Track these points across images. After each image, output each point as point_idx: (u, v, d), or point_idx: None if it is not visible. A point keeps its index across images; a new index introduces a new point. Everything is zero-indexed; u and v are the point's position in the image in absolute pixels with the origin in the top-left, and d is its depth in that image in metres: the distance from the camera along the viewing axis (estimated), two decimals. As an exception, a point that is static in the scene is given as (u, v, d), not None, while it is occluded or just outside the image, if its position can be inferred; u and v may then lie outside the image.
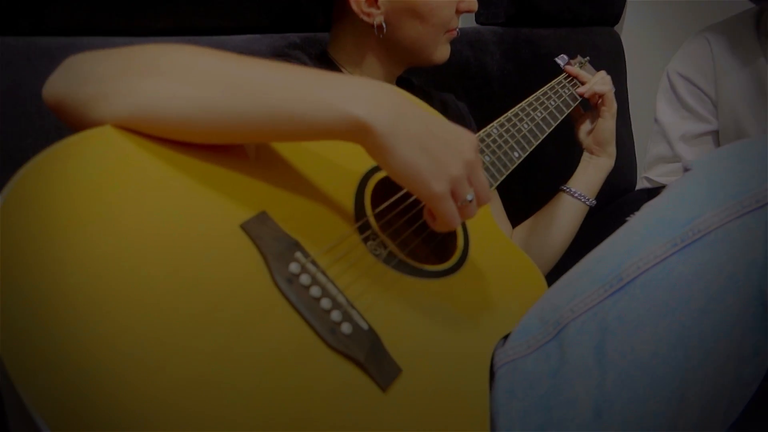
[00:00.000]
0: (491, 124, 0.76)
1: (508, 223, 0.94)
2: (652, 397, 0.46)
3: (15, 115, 0.65)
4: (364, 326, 0.46)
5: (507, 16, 1.25)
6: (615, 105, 0.87)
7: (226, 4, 0.83)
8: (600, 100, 0.87)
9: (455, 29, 0.76)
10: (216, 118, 0.44)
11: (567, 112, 0.86)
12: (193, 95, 0.44)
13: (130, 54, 0.46)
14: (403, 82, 0.86)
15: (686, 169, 0.55)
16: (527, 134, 0.79)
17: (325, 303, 0.45)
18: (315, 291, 0.45)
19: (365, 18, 0.70)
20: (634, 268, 0.49)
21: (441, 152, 0.47)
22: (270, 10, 0.88)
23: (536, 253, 0.88)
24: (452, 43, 0.78)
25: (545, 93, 0.86)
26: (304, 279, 0.45)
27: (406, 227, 0.61)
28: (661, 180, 1.17)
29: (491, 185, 0.71)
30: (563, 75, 0.91)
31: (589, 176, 0.89)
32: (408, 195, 0.59)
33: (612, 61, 1.48)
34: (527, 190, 1.19)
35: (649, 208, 0.54)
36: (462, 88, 1.10)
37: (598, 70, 0.92)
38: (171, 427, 0.34)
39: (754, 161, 0.51)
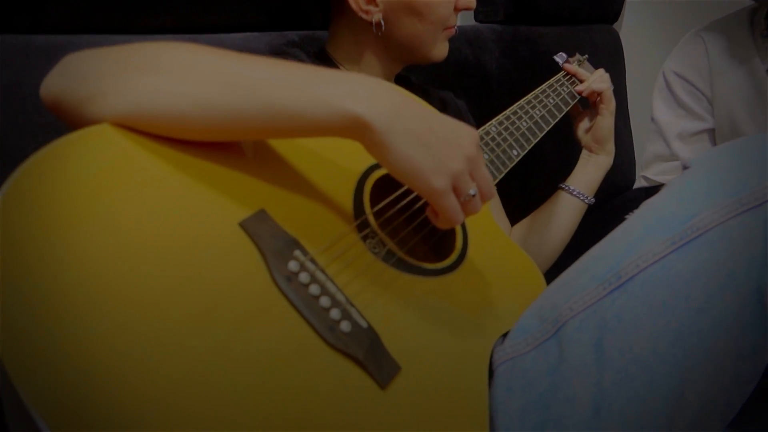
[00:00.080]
0: (490, 122, 0.76)
1: (506, 221, 0.94)
2: (651, 394, 0.46)
3: (13, 114, 0.65)
4: (363, 324, 0.46)
5: (506, 14, 1.25)
6: (613, 102, 0.87)
7: (224, 2, 0.82)
8: (598, 98, 0.87)
9: (453, 27, 0.76)
10: (214, 115, 0.44)
11: (566, 110, 0.86)
12: (191, 92, 0.44)
13: (128, 52, 0.46)
14: (401, 80, 0.86)
15: (685, 167, 0.55)
16: (526, 132, 0.79)
17: (324, 301, 0.45)
18: (314, 289, 0.45)
19: (363, 15, 0.70)
20: (632, 266, 0.50)
21: (441, 148, 0.47)
22: (268, 7, 0.87)
23: (535, 251, 0.88)
24: (451, 41, 0.78)
25: (544, 91, 0.86)
26: (303, 277, 0.45)
27: (404, 225, 0.61)
28: (659, 179, 1.17)
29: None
30: (562, 73, 0.91)
31: (588, 174, 0.89)
32: (407, 193, 0.59)
33: (611, 58, 1.48)
34: (526, 188, 1.19)
35: (647, 206, 0.54)
36: (461, 86, 1.10)
37: (596, 67, 0.92)
38: (169, 427, 0.34)
39: (753, 159, 0.51)
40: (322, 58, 0.77)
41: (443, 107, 0.89)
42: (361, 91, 0.45)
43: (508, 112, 0.79)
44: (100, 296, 0.36)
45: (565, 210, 0.88)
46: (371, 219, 0.55)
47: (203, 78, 0.44)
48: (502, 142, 0.75)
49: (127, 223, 0.40)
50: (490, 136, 0.74)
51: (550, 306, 0.53)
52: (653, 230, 0.51)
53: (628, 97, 1.52)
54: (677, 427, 0.46)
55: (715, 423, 0.49)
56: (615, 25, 1.57)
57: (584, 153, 0.91)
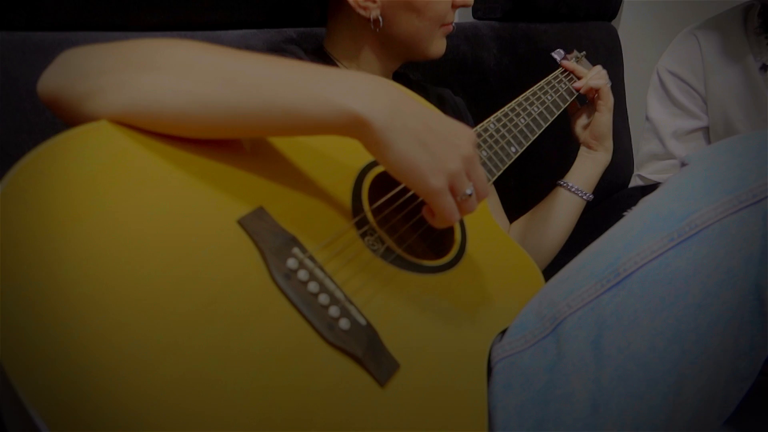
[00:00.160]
0: (488, 119, 0.76)
1: (505, 219, 0.94)
2: (649, 391, 0.46)
3: (10, 111, 0.65)
4: (362, 322, 0.46)
5: (504, 11, 1.25)
6: (611, 99, 0.87)
7: (221, -2, 0.82)
8: (596, 95, 0.87)
9: (451, 23, 0.76)
10: (213, 112, 0.44)
11: (564, 106, 0.86)
12: (190, 90, 0.44)
13: (126, 48, 0.46)
14: (399, 77, 0.86)
15: (683, 164, 0.55)
16: (524, 129, 0.79)
17: (323, 298, 0.44)
18: (313, 286, 0.45)
19: (361, 12, 0.70)
20: (631, 263, 0.50)
21: (439, 147, 0.47)
22: (266, 4, 0.87)
23: (533, 249, 0.88)
24: (449, 38, 0.78)
25: (542, 88, 0.86)
26: (302, 274, 0.45)
27: (403, 222, 0.61)
28: (654, 177, 1.17)
29: (488, 180, 0.71)
30: (560, 70, 0.91)
31: (587, 171, 0.89)
32: (405, 190, 0.59)
33: (609, 56, 1.48)
34: (524, 185, 1.19)
35: (646, 203, 0.54)
36: (459, 83, 1.10)
37: (594, 65, 0.92)
38: (168, 425, 0.34)
39: (751, 156, 0.51)
40: (320, 55, 0.77)
41: (441, 104, 0.89)
42: (360, 88, 0.45)
43: (506, 109, 0.79)
44: (98, 294, 0.36)
45: (564, 207, 0.88)
46: (370, 216, 0.55)
47: (202, 75, 0.44)
48: (500, 139, 0.75)
49: (125, 220, 0.40)
50: (488, 133, 0.74)
51: (549, 303, 0.53)
52: (651, 227, 0.51)
53: (626, 94, 1.52)
54: (675, 424, 0.46)
55: (713, 419, 0.49)
56: (613, 22, 1.57)
57: (582, 150, 0.91)
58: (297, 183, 0.51)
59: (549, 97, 0.85)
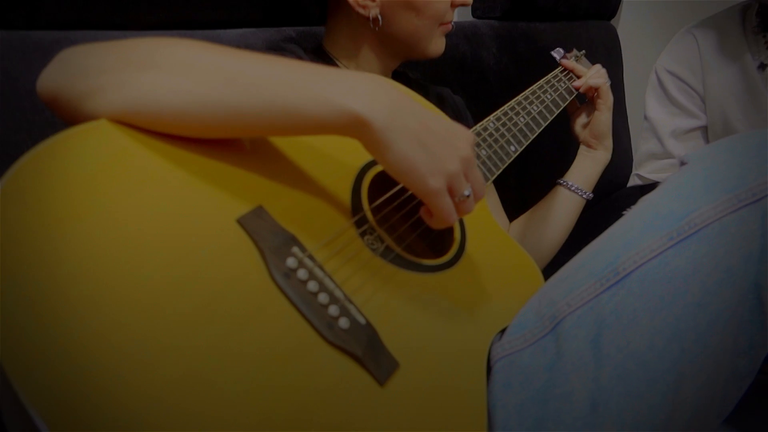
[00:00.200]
0: (488, 118, 0.76)
1: (504, 217, 0.94)
2: (648, 390, 0.46)
3: (9, 110, 0.64)
4: (362, 321, 0.46)
5: (503, 10, 1.25)
6: (611, 98, 0.87)
7: (220, -3, 0.82)
8: (596, 93, 0.87)
9: (450, 22, 0.76)
10: (213, 112, 0.44)
11: (563, 105, 0.86)
12: (190, 89, 0.43)
13: (126, 47, 0.46)
14: (399, 76, 0.86)
15: (683, 163, 0.55)
16: (524, 128, 0.79)
17: (323, 298, 0.44)
18: (312, 286, 0.45)
19: (361, 10, 0.70)
20: (630, 262, 0.50)
21: (438, 148, 0.47)
22: (265, 3, 0.87)
23: (533, 247, 0.88)
24: (449, 36, 0.78)
25: (541, 87, 0.86)
26: (302, 274, 0.45)
27: (402, 221, 0.61)
28: (653, 177, 1.17)
29: (488, 179, 0.71)
30: (559, 68, 0.91)
31: (586, 169, 0.89)
32: (405, 189, 0.59)
33: (608, 55, 1.48)
34: (524, 184, 1.20)
35: (645, 202, 0.54)
36: (459, 82, 1.10)
37: (594, 64, 0.92)
38: (167, 425, 0.34)
39: (750, 155, 0.51)
40: (319, 53, 0.77)
41: (441, 103, 0.89)
42: (360, 88, 0.45)
43: (505, 107, 0.79)
44: (98, 294, 0.36)
45: (563, 206, 0.88)
46: (369, 215, 0.55)
47: (202, 75, 0.44)
48: (499, 138, 0.75)
49: (124, 219, 0.40)
50: (488, 132, 0.74)
51: (548, 302, 0.53)
52: (651, 226, 0.51)
53: (626, 93, 1.52)
54: (674, 423, 0.46)
55: (712, 418, 0.49)
56: (612, 21, 1.57)
57: (582, 148, 0.91)
58: (296, 182, 0.51)
59: (548, 96, 0.85)
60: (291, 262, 0.45)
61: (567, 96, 0.87)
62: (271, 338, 0.41)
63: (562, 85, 0.88)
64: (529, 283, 0.62)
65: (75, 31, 0.71)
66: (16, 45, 0.66)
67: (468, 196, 0.49)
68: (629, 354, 0.47)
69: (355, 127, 0.45)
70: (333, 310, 0.44)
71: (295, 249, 0.46)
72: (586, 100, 0.91)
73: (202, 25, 0.82)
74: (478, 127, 0.74)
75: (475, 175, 0.50)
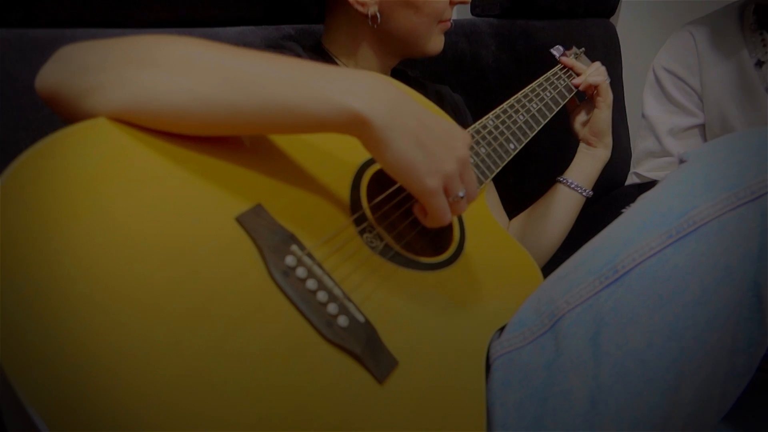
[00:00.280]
0: (487, 116, 0.76)
1: (504, 215, 0.94)
2: (647, 388, 0.46)
3: (7, 108, 0.64)
4: (361, 319, 0.46)
5: (502, 8, 1.24)
6: (611, 95, 0.87)
7: (219, -5, 0.82)
8: (595, 91, 0.87)
9: (449, 20, 0.76)
10: (213, 110, 0.44)
11: (563, 103, 0.86)
12: (189, 87, 0.43)
13: (125, 45, 0.46)
14: (398, 74, 0.86)
15: (682, 161, 0.55)
16: (523, 126, 0.79)
17: (322, 296, 0.44)
18: (311, 284, 0.45)
19: (359, 8, 0.70)
20: (629, 260, 0.50)
21: (436, 148, 0.47)
22: (264, 1, 0.87)
23: (533, 245, 0.88)
24: (448, 34, 0.78)
25: (541, 84, 0.86)
26: (300, 272, 0.45)
27: (401, 219, 0.61)
28: (651, 175, 1.17)
29: (487, 177, 0.71)
30: (558, 66, 0.91)
31: (586, 167, 0.89)
32: (403, 188, 0.59)
33: (607, 52, 1.48)
34: (523, 181, 1.20)
35: (644, 200, 0.54)
36: (458, 80, 1.10)
37: (593, 61, 0.92)
38: (165, 425, 0.34)
39: (749, 153, 0.51)
40: (318, 51, 0.77)
41: (440, 101, 0.89)
42: (360, 87, 0.45)
43: (505, 105, 0.79)
44: (96, 292, 0.36)
45: (563, 203, 0.88)
46: (368, 213, 0.55)
47: (202, 73, 0.44)
48: (499, 136, 0.75)
49: (123, 218, 0.40)
50: (487, 129, 0.74)
51: (547, 300, 0.53)
52: (650, 224, 0.51)
53: (625, 91, 1.52)
54: (673, 420, 0.46)
55: (711, 415, 0.49)
56: (611, 19, 1.56)
57: (582, 146, 0.91)
58: (295, 180, 0.51)
59: (548, 94, 0.85)
60: (290, 260, 0.45)
61: (566, 93, 0.87)
62: (269, 337, 0.41)
63: (562, 82, 0.88)
64: (528, 280, 0.62)
65: (73, 29, 0.71)
66: (15, 43, 0.66)
67: (462, 198, 0.50)
68: (628, 352, 0.47)
69: (354, 125, 0.45)
70: (332, 308, 0.44)
71: (294, 247, 0.46)
72: (585, 97, 0.91)
73: (201, 23, 0.82)
74: (477, 124, 0.74)
75: (470, 176, 0.51)
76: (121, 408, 0.33)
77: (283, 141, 0.53)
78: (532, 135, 0.79)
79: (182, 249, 0.41)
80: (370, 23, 0.71)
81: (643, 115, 1.18)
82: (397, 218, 0.61)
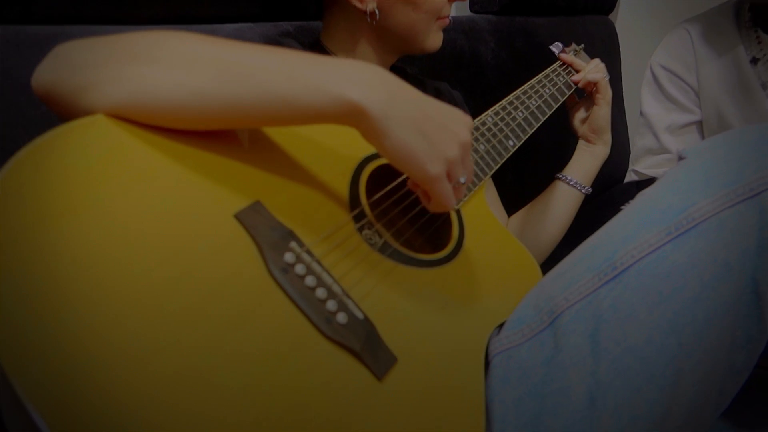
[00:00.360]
0: (486, 113, 0.76)
1: (503, 212, 0.94)
2: (646, 384, 0.46)
3: (5, 105, 0.64)
4: (360, 316, 0.46)
5: (501, 5, 1.24)
6: (610, 92, 0.87)
7: (217, -9, 0.82)
8: (594, 88, 0.87)
9: (447, 17, 0.76)
10: (210, 103, 0.44)
11: (562, 100, 0.86)
12: (187, 81, 0.43)
13: (121, 41, 0.45)
14: (396, 71, 0.85)
15: (681, 158, 0.55)
16: (522, 122, 0.78)
17: (321, 293, 0.44)
18: (310, 281, 0.44)
19: (358, 5, 0.70)
20: (628, 257, 0.50)
21: (436, 134, 0.47)
22: (262, -3, 0.87)
23: (532, 242, 0.88)
24: (446, 31, 0.78)
25: (540, 81, 0.86)
26: (299, 269, 0.45)
27: (401, 216, 0.61)
28: (649, 172, 1.17)
29: (486, 174, 0.71)
30: (558, 63, 0.90)
31: (585, 164, 0.89)
32: (403, 184, 0.59)
33: (606, 49, 1.48)
34: (522, 178, 1.20)
35: (643, 197, 0.54)
36: (456, 76, 1.10)
37: (592, 58, 0.92)
38: (161, 423, 0.33)
39: (748, 150, 0.51)
40: (317, 48, 0.76)
41: (438, 98, 0.88)
42: (357, 77, 0.45)
43: (504, 102, 0.79)
44: (93, 289, 0.36)
45: (562, 200, 0.88)
46: (367, 210, 0.55)
47: (199, 67, 0.44)
48: (498, 133, 0.75)
49: (121, 215, 0.40)
50: (486, 126, 0.74)
51: (546, 297, 0.53)
52: (649, 220, 0.51)
53: (624, 87, 1.52)
54: (672, 417, 0.46)
55: (709, 411, 0.49)
56: (611, 16, 1.56)
57: (581, 143, 0.91)
58: (294, 177, 0.51)
59: (547, 91, 0.85)
60: (289, 257, 0.45)
61: (565, 90, 0.87)
62: (268, 333, 0.41)
63: (561, 79, 0.88)
64: (528, 277, 0.63)
65: (70, 26, 0.71)
66: (12, 40, 0.66)
67: (463, 183, 0.50)
68: (627, 348, 0.47)
69: (352, 115, 0.45)
70: (331, 305, 0.44)
71: (293, 244, 0.46)
72: (584, 94, 0.91)
73: (199, 20, 0.81)
74: (476, 121, 0.74)
75: (470, 161, 0.51)
76: (118, 406, 0.33)
77: (281, 137, 0.53)
78: (531, 132, 0.79)
79: (181, 246, 0.41)
80: (368, 20, 0.71)
81: (641, 113, 1.19)
82: (396, 215, 0.61)
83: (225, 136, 0.49)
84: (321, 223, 0.50)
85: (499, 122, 0.76)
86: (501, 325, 0.55)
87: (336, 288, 0.46)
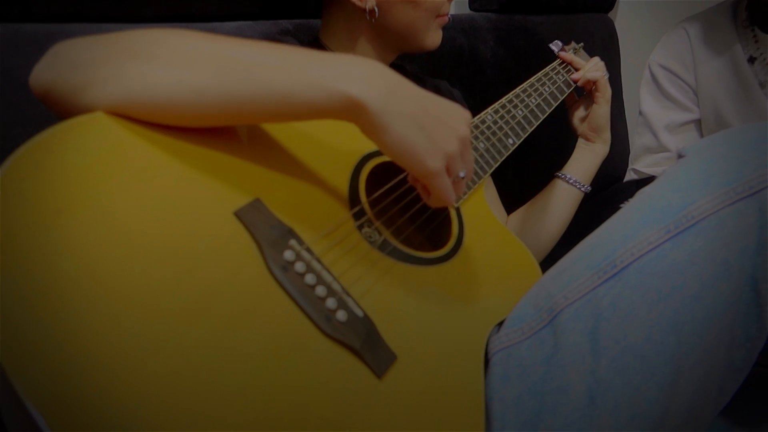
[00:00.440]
0: (485, 111, 0.76)
1: (502, 210, 0.94)
2: (645, 382, 0.46)
3: (4, 104, 0.64)
4: (360, 313, 0.46)
5: (500, 3, 1.24)
6: (609, 91, 0.87)
7: (217, -11, 0.82)
8: (594, 86, 0.87)
9: (446, 15, 0.76)
10: (209, 100, 0.44)
11: (561, 98, 0.86)
12: (186, 78, 0.43)
13: (120, 39, 0.45)
14: (396, 69, 0.84)
15: (680, 156, 0.55)
16: (521, 121, 0.78)
17: (320, 290, 0.44)
18: (310, 278, 0.44)
19: (357, 3, 0.70)
20: (627, 255, 0.50)
21: (436, 129, 0.47)
22: (262, -5, 0.87)
23: (531, 240, 0.88)
24: (446, 30, 0.78)
25: (539, 79, 0.86)
26: (299, 266, 0.45)
27: (400, 214, 0.61)
28: (648, 171, 1.18)
29: (486, 172, 0.71)
30: (557, 61, 0.90)
31: (585, 162, 0.89)
32: (402, 182, 0.59)
33: (606, 47, 1.48)
34: (522, 176, 1.20)
35: (643, 195, 0.54)
36: (456, 75, 1.10)
37: (592, 56, 0.92)
38: (159, 422, 0.33)
39: (747, 148, 0.51)
40: (316, 46, 0.76)
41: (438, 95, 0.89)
42: (356, 72, 0.45)
43: (503, 100, 0.79)
44: (92, 287, 0.36)
45: (562, 198, 0.89)
46: (367, 208, 0.55)
47: (197, 63, 0.44)
48: (497, 131, 0.75)
49: (120, 213, 0.39)
50: (486, 124, 0.74)
51: (546, 295, 0.53)
52: (648, 219, 0.51)
53: (623, 86, 1.52)
54: (671, 415, 0.46)
55: (709, 410, 0.49)
56: (610, 14, 1.56)
57: (581, 141, 0.91)
58: (294, 174, 0.51)
59: (546, 89, 0.85)
60: (288, 254, 0.45)
61: (565, 89, 0.87)
62: (268, 332, 0.41)
63: (560, 77, 0.88)
64: (527, 275, 0.63)
65: (69, 24, 0.71)
66: (10, 38, 0.66)
67: (462, 178, 0.50)
68: (626, 347, 0.47)
69: (351, 110, 0.45)
70: (330, 302, 0.44)
71: (293, 242, 0.46)
72: (584, 93, 0.91)
73: (198, 18, 0.81)
74: (476, 119, 0.74)
75: (470, 156, 0.51)
76: (118, 405, 0.33)
77: (281, 135, 0.53)
78: (530, 130, 0.79)
79: (180, 244, 0.40)
80: (368, 18, 0.71)
81: (640, 112, 1.19)
82: (396, 213, 0.61)
83: (225, 133, 0.49)
84: (321, 221, 0.50)
85: (499, 120, 0.76)
86: (501, 323, 0.55)
87: (336, 286, 0.46)
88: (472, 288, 0.57)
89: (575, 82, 0.88)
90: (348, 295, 0.46)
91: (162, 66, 0.43)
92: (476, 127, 0.73)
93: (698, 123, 1.14)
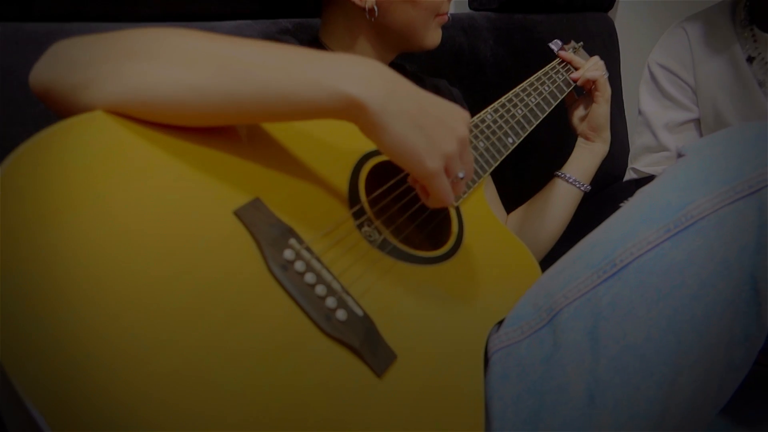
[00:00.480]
0: (485, 110, 0.76)
1: (502, 209, 0.94)
2: (645, 381, 0.46)
3: (3, 103, 0.64)
4: (359, 312, 0.46)
5: (500, 2, 1.24)
6: (609, 90, 0.87)
7: (216, -12, 0.82)
8: (593, 86, 0.87)
9: (446, 14, 0.76)
10: (209, 99, 0.44)
11: (561, 97, 0.86)
12: (185, 77, 0.43)
13: (120, 38, 0.45)
14: (396, 68, 0.85)
15: (680, 155, 0.55)
16: (521, 120, 0.78)
17: (320, 289, 0.44)
18: (310, 277, 0.44)
19: (357, 1, 0.70)
20: (627, 254, 0.50)
21: (435, 129, 0.47)
22: (261, -6, 0.87)
23: (531, 240, 0.88)
24: (445, 29, 0.78)
25: (539, 78, 0.86)
26: (299, 266, 0.45)
27: (400, 213, 0.61)
28: (648, 170, 1.18)
29: (486, 171, 0.71)
30: (557, 60, 0.90)
31: (584, 162, 0.89)
32: (402, 182, 0.59)
33: (605, 46, 1.48)
34: (521, 176, 1.20)
35: (642, 194, 0.54)
36: (455, 74, 1.10)
37: (591, 55, 0.92)
38: (159, 421, 0.33)
39: (747, 147, 0.51)
40: (315, 45, 0.76)
41: (437, 94, 0.88)
42: (355, 72, 0.45)
43: (503, 99, 0.79)
44: (91, 286, 0.36)
45: (561, 198, 0.89)
46: (367, 207, 0.55)
47: (197, 62, 0.44)
48: (497, 130, 0.75)
49: (120, 212, 0.39)
50: (486, 123, 0.74)
51: (545, 294, 0.53)
52: (648, 218, 0.51)
53: (623, 85, 1.52)
54: (671, 414, 0.46)
55: (708, 409, 0.49)
56: (610, 13, 1.56)
57: (580, 141, 0.91)
58: (294, 173, 0.51)
59: (546, 88, 0.85)
60: (288, 253, 0.45)
61: (565, 88, 0.87)
62: (267, 331, 0.41)
63: (560, 76, 0.88)
64: (527, 275, 0.63)
65: (69, 23, 0.71)
66: (10, 37, 0.66)
67: (462, 178, 0.50)
68: (626, 346, 0.47)
69: (350, 110, 0.45)
70: (330, 301, 0.44)
71: (293, 241, 0.46)
72: (584, 92, 0.91)
73: (198, 17, 0.81)
74: (475, 119, 0.74)
75: (469, 156, 0.51)
76: (117, 404, 0.33)
77: (281, 134, 0.53)
78: (530, 129, 0.79)
79: (180, 243, 0.40)
80: (367, 17, 0.71)
81: (640, 112, 1.19)
82: (396, 212, 0.61)
83: (224, 132, 0.49)
84: (320, 220, 0.50)
85: (499, 119, 0.76)
86: (500, 322, 0.55)
87: (335, 285, 0.46)
88: (472, 287, 0.57)
89: (575, 81, 0.88)
90: (348, 294, 0.46)
91: (162, 65, 0.43)
92: (476, 126, 0.73)
93: (697, 122, 1.14)
